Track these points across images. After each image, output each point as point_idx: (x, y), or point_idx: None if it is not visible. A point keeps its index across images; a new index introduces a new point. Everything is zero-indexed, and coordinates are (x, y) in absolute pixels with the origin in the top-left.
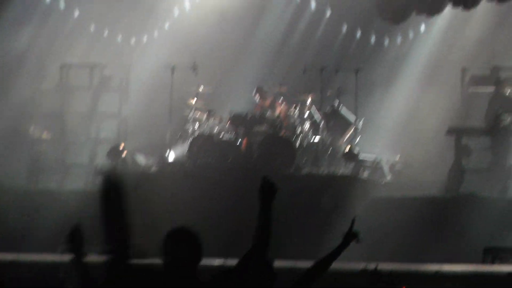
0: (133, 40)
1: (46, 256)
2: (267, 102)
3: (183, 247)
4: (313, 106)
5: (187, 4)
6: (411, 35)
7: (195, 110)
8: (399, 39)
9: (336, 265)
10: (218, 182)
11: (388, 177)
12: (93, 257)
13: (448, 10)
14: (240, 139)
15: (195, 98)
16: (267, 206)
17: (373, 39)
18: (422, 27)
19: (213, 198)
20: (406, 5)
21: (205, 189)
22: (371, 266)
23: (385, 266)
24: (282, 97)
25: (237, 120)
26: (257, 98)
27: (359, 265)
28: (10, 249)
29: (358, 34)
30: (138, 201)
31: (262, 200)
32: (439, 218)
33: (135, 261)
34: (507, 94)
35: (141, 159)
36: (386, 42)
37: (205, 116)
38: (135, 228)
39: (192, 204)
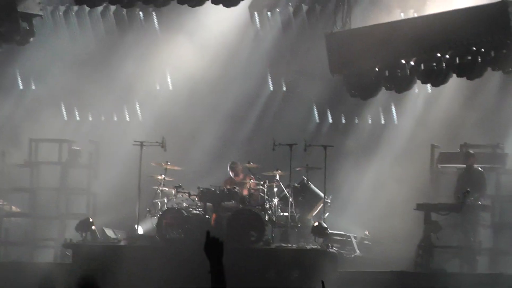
0: (102, 117)
1: None
2: (239, 177)
3: None
4: (281, 182)
5: (157, 83)
6: (380, 112)
7: (164, 185)
8: (368, 117)
9: None
10: (187, 257)
11: (357, 252)
12: None
13: (418, 87)
14: (209, 214)
15: (163, 174)
16: (217, 262)
17: (342, 117)
18: (392, 105)
19: (182, 273)
20: (375, 81)
21: (174, 264)
22: None
23: None
24: (251, 173)
25: (205, 196)
26: (230, 172)
27: None
28: None
29: (328, 112)
30: (107, 275)
31: (210, 257)
32: None
33: None
34: (475, 171)
35: (110, 233)
36: (356, 119)
37: (173, 191)
38: None
39: (161, 279)
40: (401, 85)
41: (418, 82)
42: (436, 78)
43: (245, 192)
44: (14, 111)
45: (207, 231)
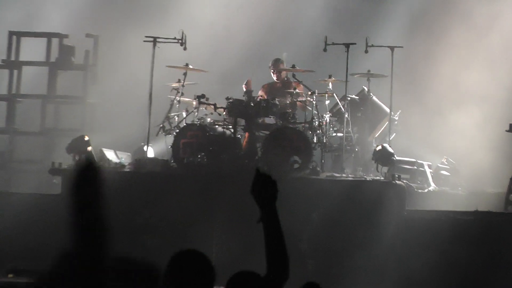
0: (104, 6)
1: None
2: (282, 81)
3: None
4: (335, 93)
5: None
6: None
7: (182, 94)
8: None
9: None
10: (210, 186)
11: (432, 185)
12: None
13: None
14: (240, 133)
15: (182, 80)
16: (269, 208)
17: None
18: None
19: (203, 206)
20: None
21: (193, 196)
22: None
23: None
24: (296, 79)
25: (236, 109)
26: (272, 73)
27: None
28: None
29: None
30: (108, 210)
31: (260, 201)
32: (495, 237)
33: None
34: None
35: (112, 156)
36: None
37: (194, 102)
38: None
39: (177, 213)
40: None
41: None
42: None
43: (287, 105)
44: None
45: (256, 169)
